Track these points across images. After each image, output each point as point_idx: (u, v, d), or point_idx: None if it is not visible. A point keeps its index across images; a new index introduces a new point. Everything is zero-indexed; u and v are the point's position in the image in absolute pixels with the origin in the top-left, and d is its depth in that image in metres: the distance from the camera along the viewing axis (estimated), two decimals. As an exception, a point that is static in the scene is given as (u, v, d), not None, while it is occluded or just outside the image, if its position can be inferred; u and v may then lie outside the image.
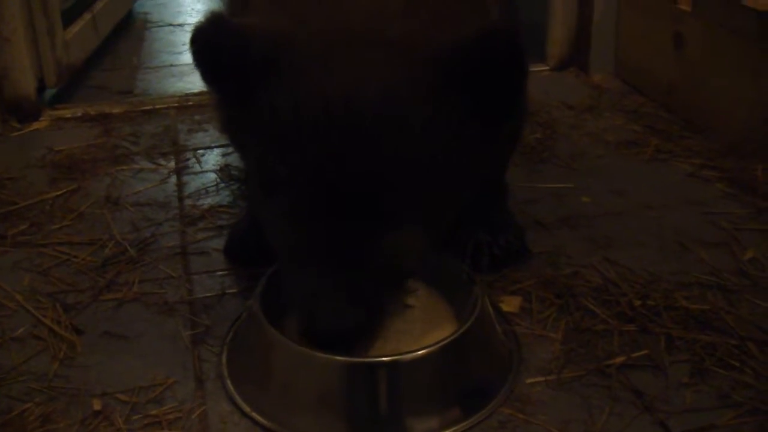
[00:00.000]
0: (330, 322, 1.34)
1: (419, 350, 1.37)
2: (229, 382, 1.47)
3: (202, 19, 1.28)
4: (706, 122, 2.36)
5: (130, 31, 3.59)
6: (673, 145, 2.32)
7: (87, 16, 2.98)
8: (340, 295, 1.32)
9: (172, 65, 3.17)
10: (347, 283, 1.32)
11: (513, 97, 1.33)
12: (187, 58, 3.15)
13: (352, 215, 1.26)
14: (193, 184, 2.18)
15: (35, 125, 2.55)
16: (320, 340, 1.35)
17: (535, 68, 2.88)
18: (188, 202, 2.09)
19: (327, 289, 1.32)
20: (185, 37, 3.45)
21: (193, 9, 3.98)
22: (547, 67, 2.92)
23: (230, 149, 2.32)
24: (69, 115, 2.62)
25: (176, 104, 2.72)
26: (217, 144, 2.39)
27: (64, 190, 2.14)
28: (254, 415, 1.40)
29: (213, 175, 2.22)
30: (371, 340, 1.46)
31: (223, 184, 2.17)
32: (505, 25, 1.29)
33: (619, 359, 1.50)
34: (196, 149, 2.38)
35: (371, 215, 1.27)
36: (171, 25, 3.72)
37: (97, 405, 1.42)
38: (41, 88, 2.66)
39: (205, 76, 1.32)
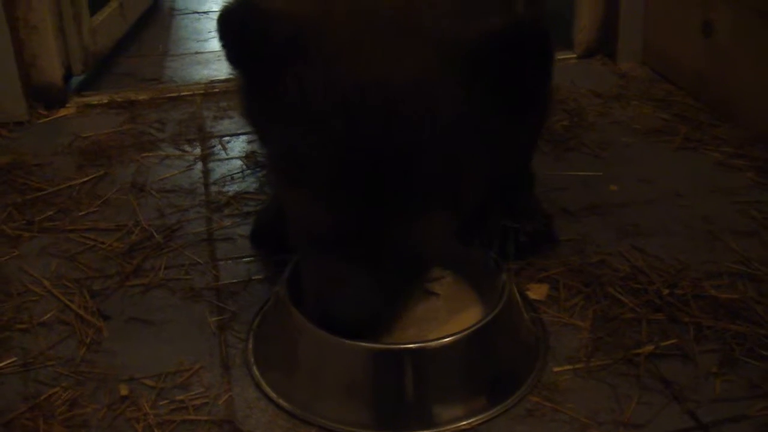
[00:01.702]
0: (348, 309, 1.34)
1: (446, 337, 1.36)
2: (255, 368, 1.47)
3: (230, 1, 1.29)
4: (736, 110, 2.33)
5: (156, 19, 3.60)
6: (702, 134, 2.29)
7: (114, 3, 2.99)
8: (359, 282, 1.32)
9: (197, 53, 3.17)
10: (367, 270, 1.31)
11: (538, 88, 1.34)
12: (212, 45, 3.17)
13: (376, 200, 1.26)
14: (219, 170, 2.18)
15: (62, 112, 2.55)
16: (338, 328, 1.35)
17: (562, 56, 2.85)
18: (214, 188, 2.09)
19: (347, 276, 1.32)
20: (211, 24, 3.45)
21: (218, -3, 3.99)
22: (574, 55, 2.89)
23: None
24: (95, 102, 2.62)
25: (202, 91, 2.71)
26: (242, 131, 2.39)
27: (91, 177, 2.15)
28: (280, 401, 1.40)
29: (239, 162, 2.22)
30: (397, 328, 1.46)
31: (248, 171, 2.17)
32: (532, 18, 1.30)
33: (648, 348, 1.49)
34: (221, 136, 2.38)
35: (396, 200, 1.27)
36: (197, 12, 3.72)
37: (123, 390, 1.43)
38: (68, 75, 2.66)
39: (230, 57, 1.34)
